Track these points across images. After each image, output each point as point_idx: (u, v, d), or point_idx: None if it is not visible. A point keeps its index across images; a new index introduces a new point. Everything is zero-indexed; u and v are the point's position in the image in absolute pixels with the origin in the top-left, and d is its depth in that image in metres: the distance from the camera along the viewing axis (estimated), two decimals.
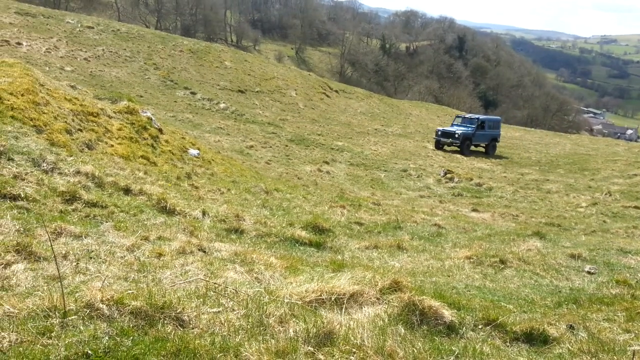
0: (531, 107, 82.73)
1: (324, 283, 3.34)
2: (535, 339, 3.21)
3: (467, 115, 28.33)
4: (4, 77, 7.16)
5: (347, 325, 2.77)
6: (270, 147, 19.17)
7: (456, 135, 24.90)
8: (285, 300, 2.99)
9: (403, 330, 2.92)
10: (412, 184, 16.53)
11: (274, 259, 4.13)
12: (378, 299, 3.36)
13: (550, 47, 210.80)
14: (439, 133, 25.87)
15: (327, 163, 17.94)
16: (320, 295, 3.18)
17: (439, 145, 25.55)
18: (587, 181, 18.58)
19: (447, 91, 79.09)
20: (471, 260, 5.37)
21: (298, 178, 14.05)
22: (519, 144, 30.51)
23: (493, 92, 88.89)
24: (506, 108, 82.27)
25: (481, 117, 27.46)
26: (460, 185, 16.43)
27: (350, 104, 35.57)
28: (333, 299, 3.15)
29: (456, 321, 3.22)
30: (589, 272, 5.23)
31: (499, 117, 30.17)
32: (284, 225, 5.97)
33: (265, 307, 2.85)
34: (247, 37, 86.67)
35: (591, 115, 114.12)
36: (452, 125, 27.20)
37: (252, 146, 18.22)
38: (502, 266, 5.23)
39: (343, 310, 3.05)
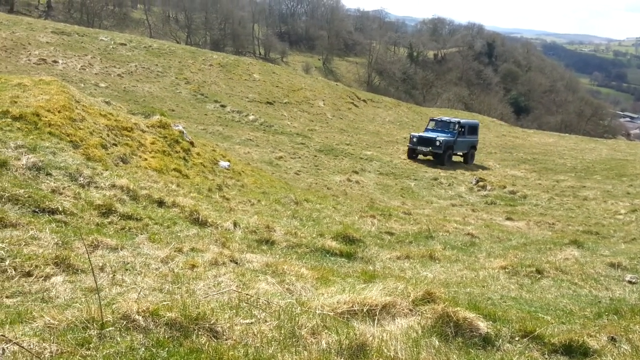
0: (565, 113, 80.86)
1: (355, 294, 3.31)
2: (574, 351, 3.10)
3: (445, 119, 24.27)
4: (41, 94, 7.42)
5: (380, 337, 2.74)
6: (299, 157, 19.26)
7: (437, 143, 21.32)
8: (317, 312, 2.98)
9: (437, 343, 2.87)
10: (443, 193, 16.33)
11: (305, 270, 4.13)
12: (411, 310, 3.31)
13: (583, 51, 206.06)
14: (415, 140, 21.99)
15: (356, 173, 17.90)
16: (352, 307, 3.16)
17: (412, 155, 22.01)
18: (626, 187, 18.00)
19: (477, 98, 78.07)
20: (506, 270, 5.26)
21: (327, 188, 14.06)
22: (553, 150, 29.83)
23: (525, 98, 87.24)
24: (539, 114, 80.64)
25: (462, 120, 23.82)
26: (493, 194, 16.15)
27: (379, 113, 35.50)
28: (365, 310, 3.13)
29: (492, 333, 3.15)
30: (630, 282, 5.04)
31: (476, 121, 26.58)
32: (314, 235, 5.98)
33: (297, 319, 2.85)
34: (275, 49, 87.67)
35: (628, 119, 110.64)
36: (427, 130, 23.34)
37: (281, 157, 18.35)
38: (539, 276, 5.09)
39: (375, 321, 3.02)
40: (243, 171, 10.22)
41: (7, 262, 3.49)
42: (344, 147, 22.90)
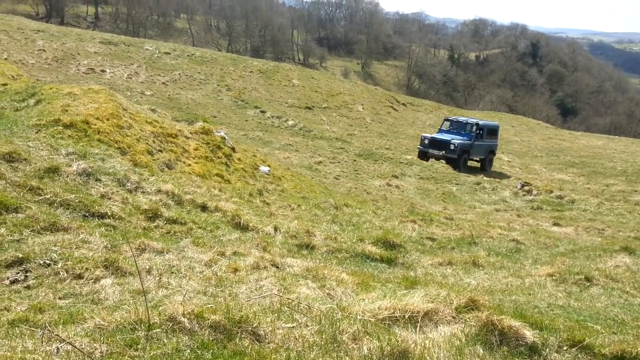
0: (614, 114, 77.69)
1: (396, 300, 3.29)
2: None
3: (461, 119, 21.96)
4: (91, 103, 7.72)
5: (423, 344, 2.70)
6: (339, 162, 19.27)
7: (452, 147, 19.33)
8: (358, 317, 2.97)
9: (481, 351, 2.81)
10: (487, 198, 15.98)
11: (345, 275, 4.13)
12: (454, 317, 3.25)
13: (633, 50, 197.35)
14: (426, 142, 20.13)
15: (396, 177, 17.74)
16: (394, 313, 3.13)
17: (423, 158, 20.18)
18: None
19: (522, 100, 76.13)
20: (553, 277, 5.10)
21: (367, 193, 14.00)
22: (602, 153, 28.71)
23: (571, 99, 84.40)
24: (586, 115, 77.84)
25: (480, 122, 21.49)
26: (539, 198, 15.68)
27: (419, 117, 35.13)
28: (407, 316, 3.10)
29: (539, 342, 3.05)
30: None
31: (496, 123, 23.99)
32: (354, 240, 5.97)
33: (338, 324, 2.85)
34: (314, 54, 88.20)
35: None
36: (441, 131, 21.28)
37: (320, 162, 18.40)
38: (588, 284, 4.91)
39: (417, 328, 2.99)
40: (283, 176, 10.32)
41: (59, 265, 3.64)
42: (384, 151, 22.76)
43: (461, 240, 7.14)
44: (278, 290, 3.57)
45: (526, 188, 16.77)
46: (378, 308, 3.17)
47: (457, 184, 17.61)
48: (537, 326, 3.25)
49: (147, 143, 7.70)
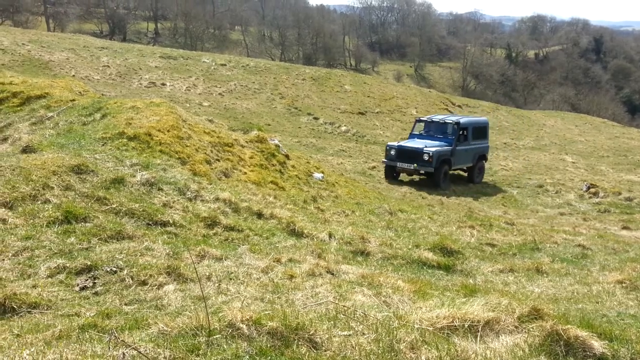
0: None
1: (455, 309, 3.21)
2: None
3: (437, 118, 16.87)
4: (152, 115, 8.06)
5: (483, 354, 2.62)
6: None
7: (426, 157, 14.76)
8: (416, 326, 2.92)
9: None
10: (550, 201, 15.33)
11: (401, 282, 4.08)
12: (516, 327, 3.14)
13: None
14: (393, 153, 15.54)
15: (452, 182, 17.36)
16: (452, 322, 3.06)
17: (392, 175, 15.88)
18: None
19: (585, 98, 72.55)
20: (623, 284, 4.81)
21: (422, 197, 13.78)
22: None
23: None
24: None
25: (462, 119, 16.63)
26: (606, 201, 14.87)
27: None
28: (466, 326, 3.01)
29: (608, 354, 2.89)
30: None
31: (485, 119, 19.25)
32: (410, 247, 5.88)
33: (395, 332, 2.81)
34: (366, 59, 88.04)
35: None
36: (412, 136, 16.69)
37: (374, 167, 18.29)
38: None
39: (478, 338, 2.90)
40: (337, 182, 10.34)
41: (125, 272, 3.81)
42: None
43: (523, 246, 6.89)
44: (334, 297, 3.57)
45: (592, 190, 15.96)
46: (436, 317, 3.11)
47: (518, 187, 17.01)
48: (606, 336, 3.07)
49: (205, 153, 7.94)
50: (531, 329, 3.04)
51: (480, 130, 17.14)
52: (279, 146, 9.79)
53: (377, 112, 30.76)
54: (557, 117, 40.04)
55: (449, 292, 4.06)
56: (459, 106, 36.29)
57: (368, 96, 33.07)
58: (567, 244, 7.26)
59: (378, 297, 3.70)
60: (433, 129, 16.57)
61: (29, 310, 3.13)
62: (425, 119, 17.44)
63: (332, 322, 2.95)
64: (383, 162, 16.42)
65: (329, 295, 3.62)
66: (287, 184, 8.72)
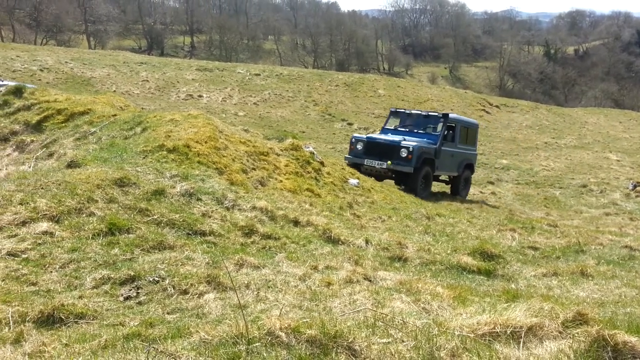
0: None
1: (497, 315, 3.14)
2: None
3: (416, 112, 14.01)
4: (190, 127, 8.25)
5: None
6: None
7: (405, 154, 11.79)
8: (456, 333, 2.88)
9: None
10: (594, 201, 14.81)
11: (440, 289, 4.02)
12: (560, 332, 3.05)
13: None
14: (360, 147, 12.50)
15: (491, 183, 17.02)
16: (494, 328, 2.99)
17: (360, 168, 12.16)
18: None
19: (629, 93, 69.90)
20: None
21: (460, 202, 13.56)
22: None
23: None
24: None
25: (451, 115, 13.65)
26: None
27: (514, 118, 33.49)
28: (508, 332, 2.95)
29: None
30: None
31: (476, 121, 15.90)
32: (448, 252, 5.80)
33: (435, 340, 2.78)
34: (399, 63, 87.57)
35: None
36: (385, 130, 13.56)
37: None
38: None
39: (521, 344, 2.83)
40: (372, 188, 10.30)
41: (167, 281, 3.91)
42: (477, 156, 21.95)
43: (567, 249, 6.68)
44: (372, 304, 3.56)
45: (639, 189, 15.34)
46: (477, 323, 3.05)
47: (561, 188, 16.52)
48: None
49: (242, 162, 8.07)
50: (576, 335, 2.94)
51: (469, 133, 14.17)
52: (313, 153, 9.83)
53: None
54: (600, 114, 38.68)
55: (490, 298, 3.98)
56: (497, 106, 35.58)
57: (402, 100, 32.84)
58: (613, 246, 7.00)
59: (417, 303, 3.66)
60: (413, 123, 13.28)
61: (76, 320, 3.25)
62: (404, 110, 14.38)
63: (370, 329, 2.94)
64: (346, 159, 12.79)
65: (366, 303, 3.61)
66: (322, 190, 8.75)
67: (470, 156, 14.17)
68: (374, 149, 12.37)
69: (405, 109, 14.57)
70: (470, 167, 14.23)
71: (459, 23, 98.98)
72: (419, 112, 14.04)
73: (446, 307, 3.60)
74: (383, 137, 12.85)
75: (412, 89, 36.11)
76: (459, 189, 13.80)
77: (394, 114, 14.20)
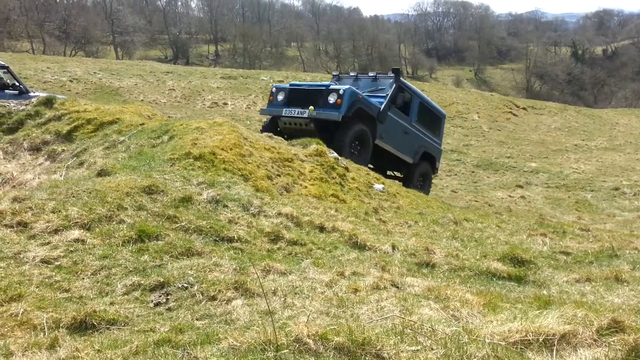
0: None
1: (528, 322, 3.07)
2: None
3: (362, 74, 11.71)
4: (216, 135, 8.34)
5: None
6: (456, 174, 18.66)
7: (332, 98, 9.73)
8: (487, 341, 2.82)
9: None
10: (628, 204, 14.40)
11: (469, 295, 3.95)
12: (595, 340, 2.96)
13: None
14: (281, 98, 10.49)
15: (520, 187, 16.73)
16: (526, 336, 2.93)
17: (272, 128, 10.61)
18: None
19: None
20: None
21: (489, 205, 13.36)
22: None
23: None
24: None
25: (412, 86, 11.97)
26: None
27: (542, 120, 32.89)
28: (541, 340, 2.88)
29: None
30: None
31: (442, 110, 13.26)
32: (477, 257, 5.70)
33: (465, 348, 2.73)
34: (423, 66, 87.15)
35: None
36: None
37: (435, 175, 17.97)
38: None
39: (554, 353, 2.76)
40: (398, 192, 10.22)
41: (195, 288, 3.95)
42: (505, 160, 21.60)
43: (600, 254, 6.49)
44: (399, 311, 3.52)
45: None
46: (508, 331, 2.99)
47: (592, 191, 16.13)
48: None
49: (267, 169, 8.11)
50: (612, 343, 2.86)
51: (432, 118, 12.16)
52: (338, 159, 9.82)
53: None
54: (631, 114, 37.66)
55: (521, 305, 3.89)
56: (524, 108, 35.02)
57: None
58: None
59: (446, 310, 3.61)
60: (362, 87, 11.00)
61: (107, 326, 3.30)
62: (347, 73, 11.83)
63: (399, 337, 2.91)
64: (261, 111, 11.15)
65: (394, 309, 3.58)
66: (347, 196, 8.72)
67: (430, 145, 12.06)
68: (297, 97, 10.24)
69: (350, 72, 11.88)
70: (430, 160, 12.20)
71: (483, 25, 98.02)
72: (367, 74, 11.62)
73: (476, 314, 3.53)
74: (310, 84, 11.04)
75: (436, 92, 35.81)
76: (413, 179, 11.68)
77: (337, 78, 11.94)
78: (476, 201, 14.17)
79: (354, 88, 9.99)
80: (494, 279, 5.03)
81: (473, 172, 19.25)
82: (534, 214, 12.35)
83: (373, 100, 10.45)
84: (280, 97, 10.53)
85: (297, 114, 9.93)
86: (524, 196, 15.26)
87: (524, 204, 14.33)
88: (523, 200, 14.75)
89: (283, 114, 10.13)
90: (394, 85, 10.86)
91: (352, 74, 11.75)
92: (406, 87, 11.45)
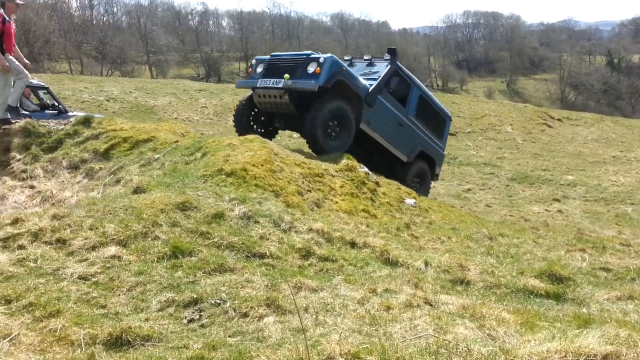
0: None
1: (568, 342, 2.97)
2: None
3: (357, 59, 10.87)
4: (247, 151, 8.44)
5: None
6: (489, 188, 18.33)
7: (312, 67, 8.76)
8: None
9: None
10: None
11: (506, 314, 3.85)
12: None
13: None
14: (260, 69, 9.75)
15: (557, 200, 16.31)
16: (565, 357, 2.83)
17: (249, 111, 10.43)
18: None
19: None
20: None
21: (525, 220, 13.05)
22: None
23: None
24: None
25: (410, 74, 10.77)
26: None
27: (578, 132, 32.09)
28: None
29: None
30: None
31: (447, 112, 11.95)
32: (513, 274, 5.56)
33: None
34: (453, 79, 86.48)
35: None
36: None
37: (469, 189, 17.69)
38: None
39: None
40: (430, 207, 10.09)
41: (227, 304, 3.97)
42: (540, 172, 21.12)
43: None
44: (433, 330, 3.46)
45: None
46: (547, 351, 2.89)
47: (633, 204, 15.59)
48: None
49: (297, 184, 8.14)
50: None
51: (434, 116, 11.09)
52: (368, 174, 9.79)
53: (469, 132, 29.85)
54: None
55: (560, 323, 3.77)
56: (559, 120, 34.28)
57: (458, 116, 32.25)
58: None
59: (481, 329, 3.52)
60: (354, 70, 9.87)
61: (142, 342, 3.35)
62: (345, 58, 10.66)
63: (433, 356, 2.85)
64: (237, 84, 10.90)
65: (428, 328, 3.52)
66: (378, 211, 8.66)
67: (430, 146, 10.95)
68: (276, 68, 9.38)
69: (344, 57, 10.82)
70: (428, 161, 11.03)
71: (514, 35, 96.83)
72: (363, 58, 10.74)
73: (513, 334, 3.44)
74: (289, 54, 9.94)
75: (468, 105, 35.43)
76: (406, 177, 10.72)
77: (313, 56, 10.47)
78: (511, 216, 13.86)
79: (337, 58, 9.05)
80: (531, 297, 4.89)
81: (507, 185, 18.87)
82: (572, 229, 12.00)
83: (365, 81, 9.56)
84: (259, 69, 9.79)
85: (272, 84, 9.08)
86: (561, 210, 14.86)
87: (561, 218, 13.94)
88: (560, 215, 14.35)
89: (258, 85, 9.36)
90: (389, 67, 9.96)
91: (346, 58, 10.81)
92: (404, 73, 10.51)
